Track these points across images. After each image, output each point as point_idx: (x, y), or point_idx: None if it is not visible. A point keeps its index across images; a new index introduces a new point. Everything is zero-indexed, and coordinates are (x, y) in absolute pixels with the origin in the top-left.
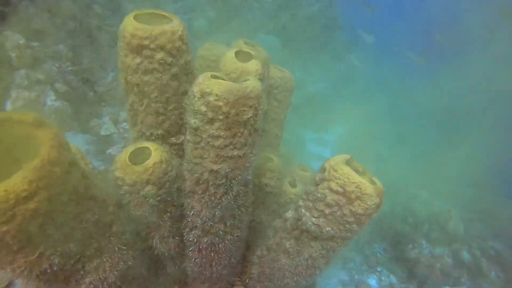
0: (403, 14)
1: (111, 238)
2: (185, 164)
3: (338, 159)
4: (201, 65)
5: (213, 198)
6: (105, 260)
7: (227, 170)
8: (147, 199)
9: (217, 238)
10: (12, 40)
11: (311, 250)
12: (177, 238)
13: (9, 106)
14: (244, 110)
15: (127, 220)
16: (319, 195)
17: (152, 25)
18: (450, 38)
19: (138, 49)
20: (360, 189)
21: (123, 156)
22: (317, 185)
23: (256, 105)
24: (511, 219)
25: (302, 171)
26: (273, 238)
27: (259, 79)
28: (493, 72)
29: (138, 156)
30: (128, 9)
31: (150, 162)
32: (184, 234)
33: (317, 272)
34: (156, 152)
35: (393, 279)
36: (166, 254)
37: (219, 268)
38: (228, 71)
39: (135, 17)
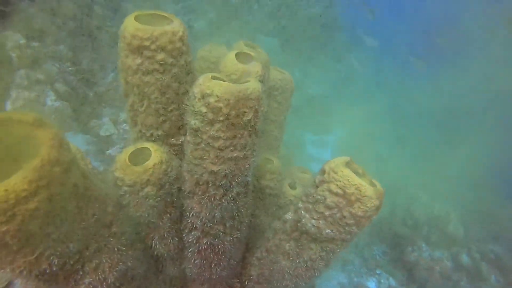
0: (403, 15)
1: (111, 239)
2: (185, 165)
3: (338, 161)
4: (201, 66)
5: (212, 199)
6: (104, 260)
7: (227, 171)
8: (147, 200)
9: (216, 239)
10: (12, 40)
11: (310, 252)
12: (176, 239)
13: (9, 106)
14: (245, 112)
15: (127, 221)
16: (319, 197)
17: (153, 26)
18: (450, 39)
19: (138, 50)
20: (360, 191)
21: (123, 156)
22: (316, 187)
23: (256, 107)
24: (510, 222)
25: (302, 173)
26: (272, 239)
27: (260, 81)
28: (492, 73)
29: (138, 157)
30: (128, 9)
31: (150, 162)
32: (184, 235)
33: (316, 274)
34: (156, 153)
35: (392, 282)
36: (166, 255)
37: (218, 269)
38: (229, 72)
39: (136, 18)
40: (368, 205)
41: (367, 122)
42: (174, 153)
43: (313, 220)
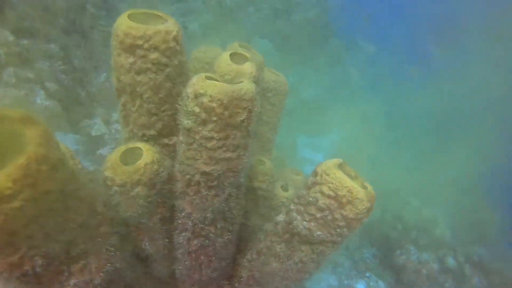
0: (399, 20)
1: (99, 239)
2: (177, 165)
3: (331, 163)
4: (195, 67)
5: (204, 200)
6: (91, 261)
7: (219, 172)
8: (137, 200)
9: (207, 241)
10: (0, 36)
11: (301, 254)
12: (167, 240)
13: None
14: (238, 112)
15: (116, 221)
16: (311, 199)
17: (146, 25)
18: (445, 44)
19: (131, 49)
20: (352, 193)
21: (114, 156)
22: (309, 189)
23: (250, 107)
24: (495, 226)
25: (294, 175)
26: (263, 241)
27: (254, 82)
28: (483, 80)
29: (129, 157)
30: (122, 9)
31: (141, 162)
32: (174, 236)
33: (306, 276)
34: (147, 153)
35: (381, 284)
36: (155, 256)
37: (208, 271)
38: (223, 72)
39: (130, 16)
40: (359, 207)
41: (361, 126)
42: (166, 153)
43: (305, 222)
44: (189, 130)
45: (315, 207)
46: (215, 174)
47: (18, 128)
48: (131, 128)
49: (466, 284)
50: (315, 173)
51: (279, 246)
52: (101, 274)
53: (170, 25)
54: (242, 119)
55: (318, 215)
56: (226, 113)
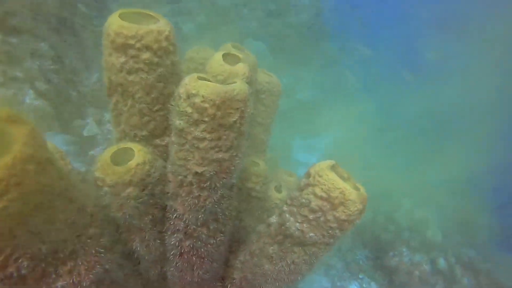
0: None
1: (88, 240)
2: (169, 166)
3: (323, 165)
4: (188, 68)
5: (196, 201)
6: (80, 263)
7: (211, 173)
8: (128, 201)
9: (199, 242)
10: None
11: (294, 255)
12: (158, 241)
13: None
14: (230, 113)
15: (106, 222)
16: (304, 200)
17: (138, 24)
18: (438, 49)
19: (123, 48)
20: (344, 195)
21: (105, 156)
22: (301, 190)
23: (242, 108)
24: (486, 228)
25: (288, 177)
26: (256, 243)
27: (247, 82)
28: (476, 84)
29: (120, 157)
30: (114, 9)
31: (132, 163)
32: (166, 237)
33: (299, 278)
34: (139, 153)
35: (374, 286)
36: (147, 257)
37: (200, 272)
38: (215, 73)
39: (121, 16)
40: (351, 209)
41: (355, 128)
42: (159, 154)
43: (297, 224)
44: (181, 130)
45: (308, 208)
46: (208, 175)
47: (4, 127)
48: (122, 128)
49: (457, 285)
50: (307, 175)
51: (272, 247)
52: (90, 276)
53: (162, 25)
54: (234, 119)
55: (311, 216)
56: (219, 113)
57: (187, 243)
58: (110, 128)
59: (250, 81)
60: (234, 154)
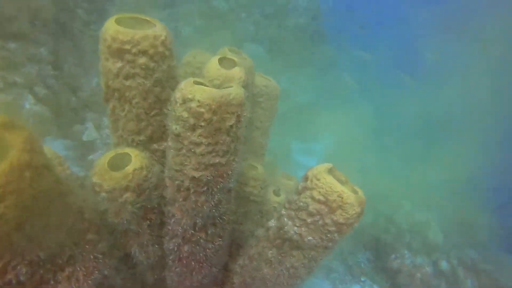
0: (390, 26)
1: (86, 246)
2: (166, 171)
3: (321, 168)
4: (186, 72)
5: (194, 206)
6: (78, 269)
7: (208, 178)
8: (126, 206)
9: (198, 247)
10: None
11: (292, 259)
12: (156, 246)
13: None
14: (227, 117)
15: (104, 228)
16: (302, 204)
17: (135, 29)
18: (435, 52)
19: (119, 53)
20: (342, 198)
21: (102, 161)
22: (299, 194)
23: (238, 112)
24: (486, 228)
25: (286, 180)
26: (255, 247)
27: (243, 86)
28: (473, 87)
29: (118, 162)
30: (113, 14)
31: (130, 168)
32: (164, 242)
33: (298, 282)
34: (136, 158)
35: None
36: (145, 262)
37: (199, 277)
38: (212, 77)
39: (118, 21)
40: (349, 212)
41: (353, 130)
42: (156, 158)
43: (296, 227)
44: (177, 135)
45: (306, 212)
46: (205, 180)
47: (1, 134)
48: (120, 134)
49: (460, 286)
50: (305, 178)
51: (271, 251)
52: (89, 281)
53: (159, 30)
54: (231, 124)
55: (309, 220)
56: (215, 118)
57: (186, 248)
58: (109, 132)
59: (246, 85)
60: (231, 158)
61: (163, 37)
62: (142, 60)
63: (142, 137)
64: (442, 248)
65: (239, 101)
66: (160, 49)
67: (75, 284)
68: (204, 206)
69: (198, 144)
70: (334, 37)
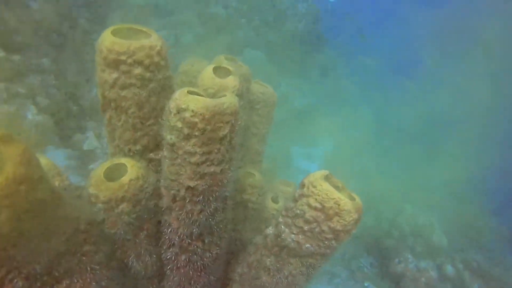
0: (389, 30)
1: (83, 258)
2: (162, 180)
3: (317, 175)
4: (183, 81)
5: (190, 215)
6: (75, 280)
7: (204, 187)
8: (122, 217)
9: (195, 256)
10: None
11: (290, 267)
12: (154, 256)
13: None
14: (221, 126)
15: (101, 239)
16: (298, 211)
17: (131, 40)
18: (434, 56)
19: (115, 64)
20: (339, 205)
21: (98, 172)
22: (296, 201)
23: (232, 121)
24: (491, 230)
25: (285, 187)
26: (253, 255)
27: (237, 95)
28: (473, 89)
29: (114, 173)
30: (114, 24)
31: (126, 178)
32: (162, 252)
33: None
34: (132, 169)
35: None
36: (143, 273)
37: (198, 286)
38: (206, 86)
39: (114, 32)
40: (346, 219)
41: (354, 135)
42: (153, 168)
43: (293, 235)
44: (172, 145)
45: (303, 219)
46: (200, 189)
47: None
48: (116, 144)
49: None
50: (302, 185)
51: (269, 259)
52: None
53: (154, 40)
54: (225, 133)
55: (306, 227)
56: (209, 127)
57: (183, 257)
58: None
59: (241, 93)
60: (226, 167)
61: (158, 47)
62: (137, 70)
63: (138, 147)
64: (447, 251)
65: (233, 110)
66: (156, 59)
67: None
68: (201, 215)
69: (192, 154)
70: (333, 42)
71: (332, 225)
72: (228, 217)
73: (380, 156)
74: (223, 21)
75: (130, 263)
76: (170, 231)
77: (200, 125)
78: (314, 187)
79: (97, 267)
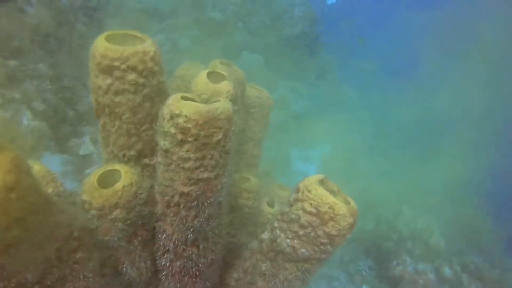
0: (387, 33)
1: (76, 265)
2: (156, 186)
3: (312, 180)
4: (178, 85)
5: (184, 221)
6: None
7: (198, 193)
8: (116, 224)
9: (190, 262)
10: None
11: (286, 272)
12: (149, 262)
13: None
14: (214, 132)
15: (94, 246)
16: (293, 216)
17: (125, 46)
18: (431, 57)
19: (108, 70)
20: (334, 209)
21: (91, 179)
22: (291, 205)
23: (226, 127)
24: (489, 232)
25: (281, 190)
26: (249, 260)
27: (231, 100)
28: (470, 89)
29: (108, 179)
30: (111, 28)
31: (119, 185)
32: (157, 258)
33: None
34: (126, 175)
35: None
36: (138, 280)
37: None
38: (200, 92)
39: (108, 38)
40: (341, 223)
41: (352, 137)
42: (148, 173)
43: (288, 240)
44: (166, 151)
45: (298, 224)
46: (194, 195)
47: None
48: (111, 149)
49: None
50: (297, 190)
51: (264, 264)
52: None
53: (148, 46)
54: (218, 138)
55: (301, 232)
56: (202, 133)
57: (178, 263)
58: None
59: (235, 98)
60: (220, 172)
61: (152, 53)
62: (131, 76)
63: (133, 152)
64: (445, 253)
65: (227, 116)
66: (149, 64)
67: None
68: (195, 221)
69: (186, 160)
70: (330, 45)
71: (327, 230)
72: (223, 223)
73: (378, 158)
74: (221, 25)
75: (124, 270)
76: (165, 237)
77: (193, 131)
78: (309, 191)
79: (90, 275)
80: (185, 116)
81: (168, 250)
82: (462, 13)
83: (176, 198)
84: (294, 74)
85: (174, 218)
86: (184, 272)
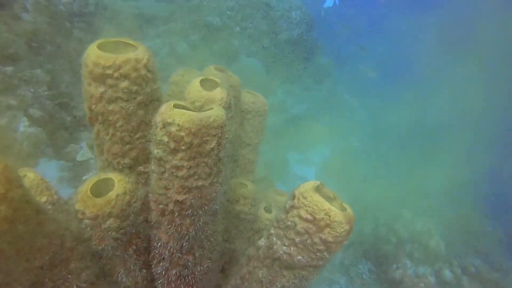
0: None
1: (69, 276)
2: (150, 194)
3: (308, 186)
4: (173, 92)
5: (179, 229)
6: None
7: (192, 201)
8: (110, 233)
9: (186, 270)
10: None
11: (283, 279)
12: (144, 271)
13: None
14: (207, 140)
15: (88, 255)
16: (289, 223)
17: (117, 53)
18: (427, 62)
19: (101, 78)
20: (329, 216)
21: (85, 188)
22: (287, 212)
23: (219, 134)
24: (489, 236)
25: (278, 196)
26: (246, 266)
27: (225, 107)
28: (467, 92)
29: (103, 188)
30: (109, 33)
31: (112, 194)
32: (152, 266)
33: None
34: (119, 184)
35: None
36: None
37: None
38: (193, 99)
39: (100, 46)
40: (338, 230)
41: (350, 141)
42: (143, 181)
43: (285, 247)
44: (159, 159)
45: (294, 231)
46: (189, 203)
47: None
48: (105, 157)
49: None
50: (292, 196)
51: (261, 271)
52: None
53: (140, 53)
54: (212, 146)
55: (297, 239)
56: (195, 141)
57: (174, 271)
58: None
59: (229, 105)
60: (214, 180)
61: (145, 60)
62: (124, 84)
63: (127, 160)
64: (445, 256)
65: (220, 123)
66: (142, 72)
67: None
68: (190, 229)
69: (179, 168)
70: (328, 49)
71: (323, 237)
72: (218, 230)
73: (376, 161)
74: (218, 30)
75: (119, 279)
76: (160, 245)
77: (186, 139)
78: (305, 198)
79: (84, 286)
80: (178, 125)
81: (164, 258)
82: (461, 18)
83: (171, 206)
84: (292, 77)
85: (169, 226)
86: (180, 280)
